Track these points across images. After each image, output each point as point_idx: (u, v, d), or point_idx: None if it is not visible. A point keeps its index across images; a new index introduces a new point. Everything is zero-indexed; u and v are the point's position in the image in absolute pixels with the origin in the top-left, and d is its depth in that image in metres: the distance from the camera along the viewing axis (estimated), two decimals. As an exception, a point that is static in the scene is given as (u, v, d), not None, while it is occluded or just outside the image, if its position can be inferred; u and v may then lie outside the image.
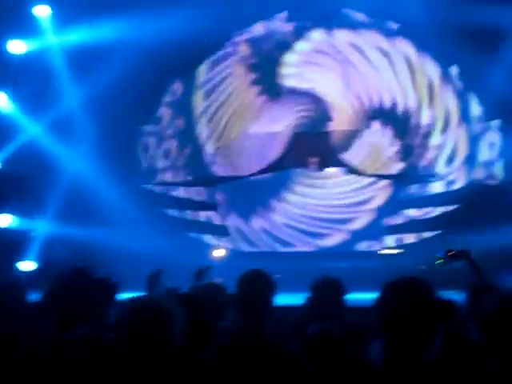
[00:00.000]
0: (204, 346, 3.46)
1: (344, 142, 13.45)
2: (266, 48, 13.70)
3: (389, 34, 13.37)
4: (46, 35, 12.67)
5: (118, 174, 12.56)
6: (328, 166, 13.35)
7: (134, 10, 12.03)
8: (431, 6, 11.97)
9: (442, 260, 4.21)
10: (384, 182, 13.27)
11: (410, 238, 13.09)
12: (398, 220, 13.22)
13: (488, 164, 13.04)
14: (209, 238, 13.44)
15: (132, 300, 2.73)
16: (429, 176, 13.26)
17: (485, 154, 13.09)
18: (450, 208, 12.95)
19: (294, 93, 13.54)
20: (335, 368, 3.13)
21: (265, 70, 13.68)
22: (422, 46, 13.22)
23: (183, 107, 13.80)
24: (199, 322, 3.81)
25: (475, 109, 13.13)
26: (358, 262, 12.13)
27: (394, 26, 13.31)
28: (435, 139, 13.25)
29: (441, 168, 13.22)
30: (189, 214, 13.55)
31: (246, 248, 13.34)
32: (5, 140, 12.29)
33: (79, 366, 2.83)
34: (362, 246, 13.17)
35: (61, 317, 3.36)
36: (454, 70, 13.19)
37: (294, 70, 13.61)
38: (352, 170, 13.39)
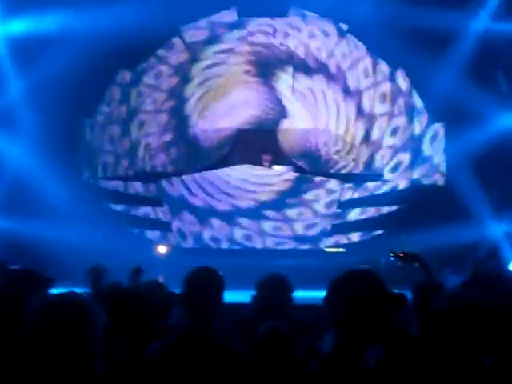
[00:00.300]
0: (146, 343, 3.37)
1: (292, 141, 13.47)
2: (213, 43, 13.60)
3: (338, 33, 13.44)
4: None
5: (61, 167, 12.30)
6: (277, 164, 13.36)
7: (80, 0, 11.81)
8: (379, 7, 12.06)
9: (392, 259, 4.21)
10: (330, 182, 13.32)
11: (355, 237, 13.18)
12: (343, 219, 13.30)
13: (432, 164, 13.22)
14: (152, 234, 13.29)
15: (47, 297, 2.63)
16: (374, 176, 13.37)
17: (428, 154, 13.26)
18: (395, 208, 13.09)
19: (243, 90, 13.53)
20: (286, 366, 3.11)
21: (214, 66, 13.59)
22: (371, 46, 13.31)
23: (128, 99, 13.57)
24: (142, 319, 3.73)
25: (420, 110, 13.29)
26: (302, 260, 12.15)
27: (344, 26, 13.36)
28: (381, 139, 13.37)
29: (386, 168, 13.35)
30: (132, 209, 13.36)
31: (189, 244, 13.22)
32: None
33: None
34: (308, 245, 13.20)
35: None
36: (400, 71, 13.32)
37: (242, 66, 13.56)
38: (299, 169, 13.41)
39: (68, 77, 11.97)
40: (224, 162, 13.53)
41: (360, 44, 13.37)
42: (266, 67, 13.54)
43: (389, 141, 13.37)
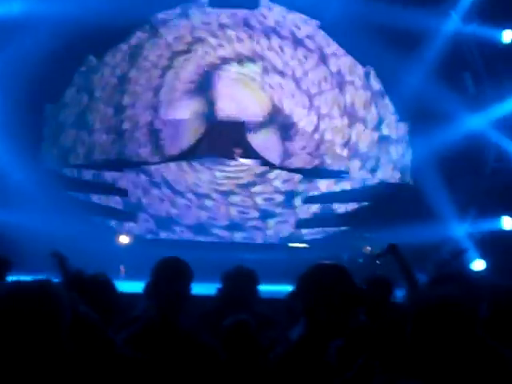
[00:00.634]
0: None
1: (259, 133, 13.45)
2: (182, 32, 13.48)
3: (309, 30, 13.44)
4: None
5: (24, 154, 12.09)
6: (246, 157, 13.33)
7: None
8: (351, 5, 12.07)
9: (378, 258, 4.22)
10: (296, 177, 13.32)
11: (318, 233, 13.21)
12: (308, 214, 13.32)
13: (398, 163, 13.30)
14: (115, 224, 13.13)
15: (12, 284, 2.41)
16: (340, 173, 13.41)
17: (395, 153, 13.34)
18: (360, 205, 13.15)
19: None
20: (252, 358, 3.11)
21: (180, 55, 13.49)
22: (342, 44, 13.33)
23: (93, 86, 13.35)
24: (109, 306, 3.67)
25: (389, 109, 13.36)
26: (265, 254, 12.14)
27: (315, 22, 13.35)
28: (348, 136, 13.40)
29: (352, 165, 13.39)
30: (96, 198, 13.18)
31: (152, 235, 13.11)
32: None
33: None
34: (271, 239, 13.20)
35: None
36: (370, 70, 13.36)
37: (212, 57, 13.48)
38: (266, 163, 13.39)
39: (33, 62, 11.73)
40: (192, 153, 13.43)
41: (331, 41, 13.37)
42: (234, 60, 13.47)
43: (356, 138, 13.41)
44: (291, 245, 13.14)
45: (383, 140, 13.39)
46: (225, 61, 13.48)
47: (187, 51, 13.46)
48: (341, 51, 13.40)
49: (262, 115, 13.46)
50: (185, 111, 13.47)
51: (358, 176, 13.36)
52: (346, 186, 13.37)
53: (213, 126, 13.49)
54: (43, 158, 13.07)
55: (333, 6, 12.34)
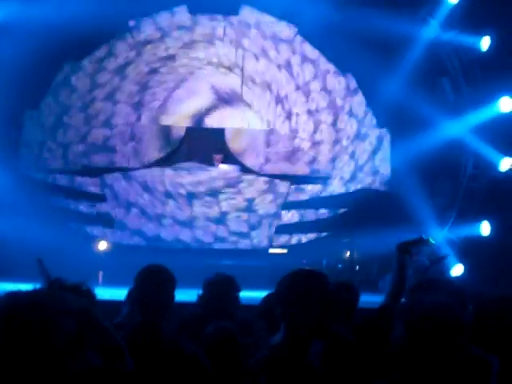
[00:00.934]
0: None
1: (240, 141, 13.45)
2: (162, 38, 13.44)
3: (288, 35, 13.46)
4: None
5: (2, 159, 12.00)
6: (225, 163, 13.31)
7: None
8: (330, 11, 12.10)
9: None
10: (276, 182, 13.31)
11: (298, 239, 13.21)
12: (287, 220, 13.31)
13: (377, 170, 13.35)
14: (93, 230, 13.03)
15: (12, 294, 2.26)
16: (319, 179, 13.42)
17: (374, 159, 13.38)
18: (339, 211, 13.17)
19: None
20: (236, 365, 3.13)
21: (158, 62, 13.46)
22: (321, 49, 13.37)
23: (72, 92, 13.27)
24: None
25: (367, 115, 13.41)
26: (245, 260, 12.12)
27: (294, 28, 13.39)
28: (327, 143, 13.44)
29: (331, 172, 13.42)
30: (74, 204, 13.07)
31: (130, 241, 13.03)
32: None
33: None
34: (251, 245, 13.17)
35: None
36: (350, 77, 13.41)
37: (191, 63, 13.45)
38: (245, 169, 13.38)
39: (12, 68, 11.66)
40: (171, 158, 13.40)
41: (310, 47, 13.41)
42: (214, 66, 13.46)
43: (335, 145, 13.45)
44: (271, 250, 13.12)
45: (362, 146, 13.43)
46: (204, 68, 13.45)
47: (166, 59, 13.43)
48: (320, 58, 13.45)
49: (241, 122, 13.47)
50: (165, 117, 13.43)
51: (338, 182, 13.39)
52: (325, 192, 13.38)
53: (193, 132, 13.47)
54: (21, 163, 12.94)
55: (311, 14, 12.36)
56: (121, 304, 4.61)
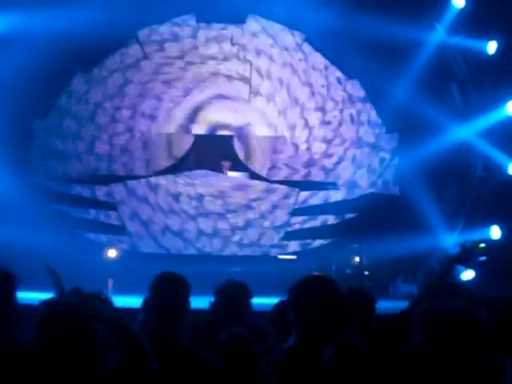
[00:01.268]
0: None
1: (248, 148, 13.47)
2: (170, 47, 13.50)
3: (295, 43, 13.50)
4: None
5: (12, 169, 12.07)
6: (234, 170, 13.33)
7: (35, 2, 11.55)
8: (337, 17, 12.12)
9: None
10: (284, 189, 13.31)
11: (307, 245, 13.19)
12: (297, 226, 13.30)
13: (386, 175, 13.33)
14: (103, 238, 13.06)
15: (52, 303, 2.56)
16: (328, 184, 13.42)
17: (383, 165, 13.37)
18: (348, 216, 13.14)
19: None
20: (250, 372, 3.16)
21: (167, 70, 13.51)
22: (328, 56, 13.38)
23: (81, 102, 13.34)
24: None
25: (376, 121, 13.40)
26: (255, 266, 12.12)
27: (301, 35, 13.42)
28: (336, 148, 13.44)
29: (340, 177, 13.41)
30: (84, 213, 13.11)
31: (140, 249, 13.05)
32: None
33: None
34: (261, 251, 13.17)
35: None
36: (357, 82, 13.42)
37: (199, 72, 13.51)
38: (254, 175, 13.39)
39: (22, 77, 11.71)
40: (179, 166, 13.43)
41: (317, 54, 13.43)
42: (222, 75, 13.50)
43: (344, 150, 13.44)
44: (280, 257, 13.12)
45: (370, 151, 13.42)
46: (211, 76, 13.50)
47: (174, 67, 13.47)
48: (327, 65, 13.45)
49: (249, 129, 13.50)
50: (173, 125, 13.47)
51: (346, 188, 13.37)
52: (333, 197, 13.37)
53: (201, 140, 13.50)
54: (31, 172, 13.00)
55: (318, 20, 12.38)
56: (132, 311, 4.62)
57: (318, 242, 13.15)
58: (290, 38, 13.51)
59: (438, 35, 12.60)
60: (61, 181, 13.12)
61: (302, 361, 2.89)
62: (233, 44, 13.52)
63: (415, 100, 12.19)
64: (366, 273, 12.53)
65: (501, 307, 3.67)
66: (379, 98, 13.13)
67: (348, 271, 12.50)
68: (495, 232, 11.89)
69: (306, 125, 13.49)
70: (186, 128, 13.50)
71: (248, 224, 13.22)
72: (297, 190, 13.32)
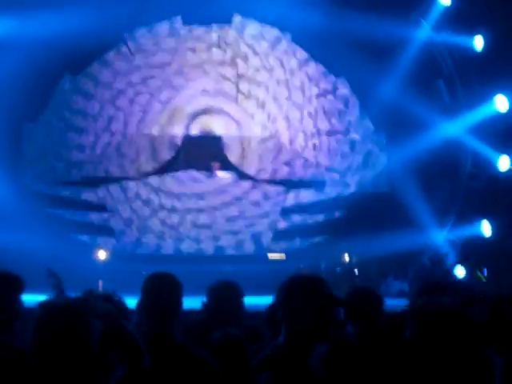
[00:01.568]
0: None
1: (237, 148, 13.44)
2: (159, 49, 13.48)
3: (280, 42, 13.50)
4: None
5: (3, 172, 12.03)
6: (223, 170, 13.30)
7: (25, 6, 11.52)
8: (323, 16, 12.12)
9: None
10: (274, 188, 13.29)
11: (296, 243, 13.18)
12: (286, 225, 13.29)
13: (375, 172, 13.34)
14: (93, 239, 13.00)
15: (48, 303, 2.58)
16: (317, 183, 13.42)
17: (372, 162, 13.38)
18: (337, 214, 13.15)
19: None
20: (243, 371, 3.16)
21: (155, 70, 13.48)
22: (314, 55, 13.39)
23: (72, 104, 13.31)
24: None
25: (364, 119, 13.42)
26: (244, 265, 12.09)
27: (287, 34, 13.42)
28: (325, 147, 13.44)
29: (329, 176, 13.41)
30: (74, 214, 13.06)
31: (129, 250, 13.00)
32: None
33: None
34: (250, 250, 13.15)
35: None
36: (343, 80, 13.42)
37: (187, 73, 13.48)
38: (243, 175, 13.37)
39: (12, 82, 11.74)
40: (170, 167, 13.39)
41: (304, 53, 13.44)
42: (209, 74, 13.48)
43: (332, 149, 13.44)
44: (270, 256, 13.10)
45: (359, 150, 13.43)
46: (199, 76, 13.47)
47: (161, 68, 13.47)
48: (314, 63, 13.47)
49: (237, 129, 13.48)
50: (162, 126, 13.42)
51: (335, 186, 13.37)
52: (323, 196, 13.37)
53: (190, 141, 13.47)
54: (22, 175, 12.96)
55: (305, 19, 12.39)
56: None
57: (307, 241, 13.14)
58: (276, 38, 13.53)
59: (425, 32, 12.63)
60: (51, 184, 13.08)
61: (291, 358, 2.92)
62: (219, 45, 13.54)
63: (403, 97, 12.22)
64: (356, 271, 12.53)
65: (490, 304, 3.69)
66: (366, 95, 13.15)
67: (338, 269, 12.50)
68: (486, 228, 11.91)
69: (293, 123, 13.48)
70: (174, 128, 13.45)
71: (236, 223, 13.19)
72: (285, 188, 13.31)
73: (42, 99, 13.10)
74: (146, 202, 13.14)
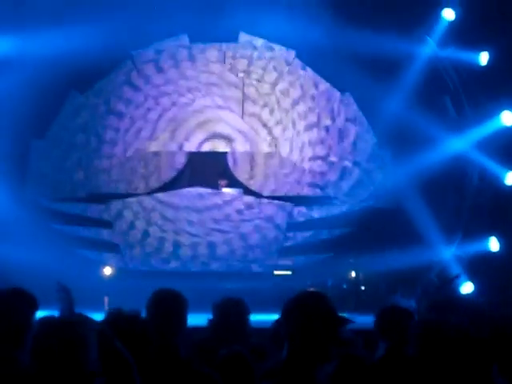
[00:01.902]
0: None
1: (242, 164, 13.45)
2: (166, 67, 13.55)
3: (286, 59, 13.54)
4: None
5: (9, 188, 12.12)
6: (229, 187, 13.29)
7: (32, 24, 11.63)
8: (328, 32, 12.16)
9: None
10: (279, 204, 13.27)
11: (303, 260, 13.14)
12: (293, 241, 13.25)
13: (381, 188, 13.29)
14: (99, 255, 13.01)
15: (46, 321, 2.60)
16: (324, 199, 13.39)
17: (378, 178, 13.34)
18: (344, 231, 13.10)
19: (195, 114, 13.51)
20: None
21: (162, 89, 13.54)
22: (319, 71, 13.41)
23: (78, 121, 13.37)
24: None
25: (369, 135, 13.41)
26: (251, 282, 12.06)
27: (292, 52, 13.47)
28: (331, 163, 13.43)
29: (336, 192, 13.38)
30: (80, 230, 13.07)
31: (135, 266, 12.98)
32: None
33: None
34: (256, 267, 13.11)
35: None
36: (349, 97, 13.43)
37: (194, 91, 13.53)
38: (249, 192, 13.35)
39: (19, 98, 11.84)
40: (175, 184, 13.39)
41: (309, 69, 13.47)
42: (215, 92, 13.52)
43: (339, 164, 13.43)
44: (276, 273, 13.06)
45: (366, 166, 13.41)
46: (205, 94, 13.51)
47: (168, 86, 13.52)
48: (320, 80, 13.49)
49: (243, 145, 13.49)
50: (168, 144, 13.45)
51: (342, 201, 13.34)
52: (329, 212, 13.33)
53: (195, 158, 13.48)
54: (28, 192, 13.00)
55: (309, 36, 12.44)
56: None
57: (313, 257, 13.09)
58: (281, 55, 13.56)
59: (429, 48, 12.64)
60: (57, 200, 13.12)
61: (291, 372, 2.95)
62: (225, 62, 13.59)
63: (409, 113, 12.22)
64: (363, 288, 12.47)
65: (492, 324, 3.66)
66: (372, 111, 13.15)
67: (344, 286, 12.45)
68: (494, 244, 11.85)
69: (299, 139, 13.48)
70: (180, 146, 13.48)
71: (242, 240, 13.16)
72: (291, 205, 13.28)
73: (49, 116, 13.19)
74: (152, 219, 13.14)
